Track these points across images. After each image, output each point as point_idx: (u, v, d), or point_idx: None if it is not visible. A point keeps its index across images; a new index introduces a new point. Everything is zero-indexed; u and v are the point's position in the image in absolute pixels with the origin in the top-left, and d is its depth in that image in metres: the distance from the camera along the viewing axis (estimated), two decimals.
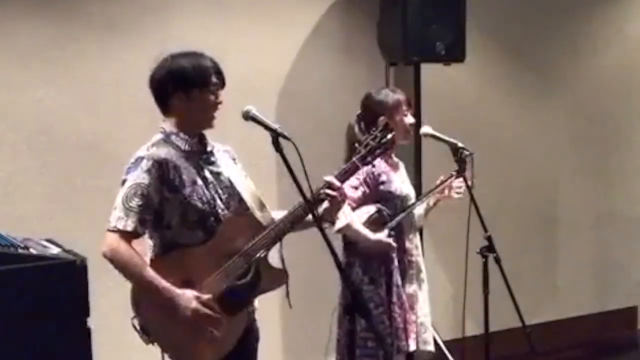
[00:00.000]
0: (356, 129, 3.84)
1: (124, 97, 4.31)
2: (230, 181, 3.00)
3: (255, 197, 3.00)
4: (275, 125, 2.80)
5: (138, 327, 2.85)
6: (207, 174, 2.95)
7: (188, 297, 2.79)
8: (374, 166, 3.60)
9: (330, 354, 3.84)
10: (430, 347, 3.84)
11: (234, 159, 3.09)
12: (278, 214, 2.98)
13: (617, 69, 5.92)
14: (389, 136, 2.99)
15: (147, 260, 2.89)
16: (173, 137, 2.92)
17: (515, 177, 5.55)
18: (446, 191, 3.85)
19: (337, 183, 2.92)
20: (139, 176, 2.82)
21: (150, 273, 2.79)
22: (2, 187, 4.06)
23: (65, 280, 2.66)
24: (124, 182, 2.86)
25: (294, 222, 2.89)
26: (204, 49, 3.02)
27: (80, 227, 4.14)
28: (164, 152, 2.87)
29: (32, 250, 2.81)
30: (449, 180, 3.83)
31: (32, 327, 2.57)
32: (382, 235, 3.65)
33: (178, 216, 2.87)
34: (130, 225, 2.79)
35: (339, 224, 3.58)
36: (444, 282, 5.18)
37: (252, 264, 2.89)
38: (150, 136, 3.04)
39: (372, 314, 3.64)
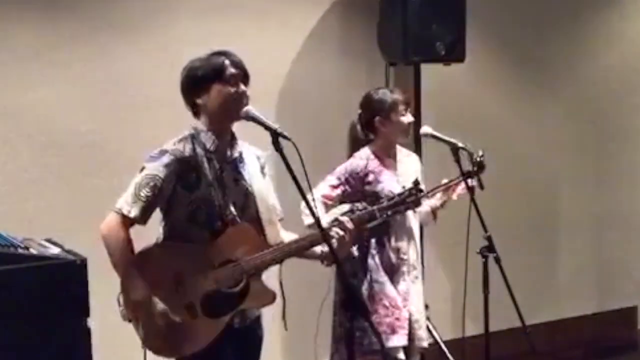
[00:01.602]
0: (358, 127, 3.88)
1: (124, 97, 4.31)
2: (249, 191, 3.01)
3: (269, 213, 3.02)
4: (275, 125, 2.80)
5: (121, 301, 2.91)
6: (226, 178, 2.97)
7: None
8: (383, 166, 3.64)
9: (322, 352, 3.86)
10: (424, 344, 3.86)
11: (262, 167, 3.10)
12: (287, 235, 3.04)
13: (618, 69, 5.92)
14: (413, 198, 3.10)
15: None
16: (202, 135, 2.95)
17: (515, 177, 5.55)
18: (452, 194, 3.89)
19: (350, 225, 2.99)
20: (157, 168, 2.87)
21: (131, 269, 2.85)
22: (2, 187, 4.06)
23: (65, 280, 2.66)
24: (142, 169, 2.90)
25: (300, 250, 2.95)
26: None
27: (80, 227, 4.12)
28: (188, 149, 2.91)
29: (32, 250, 2.81)
30: (453, 182, 3.86)
31: (32, 327, 2.57)
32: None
33: (186, 214, 2.90)
34: (133, 213, 2.85)
35: (309, 220, 3.61)
36: (444, 282, 5.19)
37: (245, 277, 2.91)
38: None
39: (369, 310, 3.67)
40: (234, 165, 3.01)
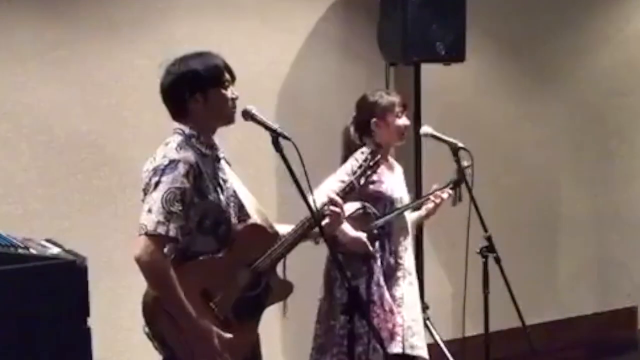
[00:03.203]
0: (352, 130, 3.85)
1: (124, 97, 4.31)
2: (234, 190, 2.99)
3: (256, 208, 3.02)
4: (275, 125, 2.80)
5: (151, 335, 2.82)
6: (220, 180, 2.93)
7: (210, 332, 2.76)
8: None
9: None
10: (417, 351, 3.73)
11: (229, 165, 3.07)
12: (280, 227, 3.02)
13: (618, 68, 5.92)
14: (375, 159, 3.29)
15: None
16: (194, 140, 2.85)
17: (515, 177, 5.55)
18: (437, 200, 3.85)
19: (339, 200, 3.01)
20: (178, 180, 2.72)
21: (183, 295, 2.72)
22: (2, 187, 4.06)
23: (65, 280, 2.65)
24: (157, 184, 2.73)
25: (302, 235, 2.95)
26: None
27: (80, 227, 4.14)
28: (192, 155, 2.79)
29: (32, 250, 2.81)
30: (443, 189, 3.83)
31: (32, 327, 2.57)
32: (362, 235, 3.64)
33: (196, 222, 2.82)
34: (172, 231, 2.70)
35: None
36: (444, 282, 5.18)
37: (264, 276, 2.92)
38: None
39: (370, 312, 3.64)
40: (221, 167, 2.98)
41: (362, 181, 3.26)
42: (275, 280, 2.97)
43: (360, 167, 3.28)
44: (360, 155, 3.75)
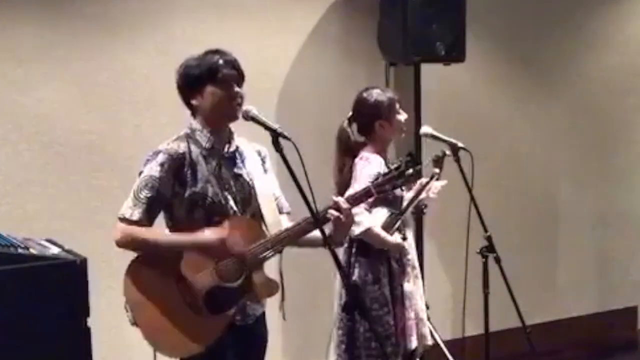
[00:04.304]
0: (349, 131, 3.83)
1: (124, 97, 4.31)
2: (250, 185, 3.01)
3: (271, 206, 3.01)
4: (275, 125, 2.80)
5: (128, 308, 2.93)
6: (224, 173, 2.97)
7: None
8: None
9: (331, 355, 3.84)
10: (429, 341, 3.85)
11: (263, 160, 3.10)
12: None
13: (618, 68, 5.92)
14: (414, 170, 2.83)
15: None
16: (197, 134, 2.97)
17: (515, 177, 5.55)
18: (424, 193, 3.85)
19: (344, 205, 2.84)
20: (153, 169, 2.89)
21: (168, 234, 2.94)
22: (2, 187, 4.06)
23: (65, 280, 2.66)
24: (140, 173, 2.93)
25: (296, 235, 2.89)
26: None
27: (80, 227, 4.14)
28: (182, 147, 2.93)
29: (32, 250, 2.81)
30: (431, 182, 3.83)
31: (32, 327, 2.57)
32: (399, 239, 3.66)
33: (185, 211, 2.92)
34: (136, 215, 2.88)
35: (359, 229, 3.56)
36: (444, 282, 5.19)
37: (245, 269, 2.90)
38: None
39: (371, 312, 3.63)
40: (233, 161, 3.01)
41: (386, 189, 2.84)
42: (259, 277, 2.93)
43: (388, 173, 2.88)
44: (373, 157, 3.70)
